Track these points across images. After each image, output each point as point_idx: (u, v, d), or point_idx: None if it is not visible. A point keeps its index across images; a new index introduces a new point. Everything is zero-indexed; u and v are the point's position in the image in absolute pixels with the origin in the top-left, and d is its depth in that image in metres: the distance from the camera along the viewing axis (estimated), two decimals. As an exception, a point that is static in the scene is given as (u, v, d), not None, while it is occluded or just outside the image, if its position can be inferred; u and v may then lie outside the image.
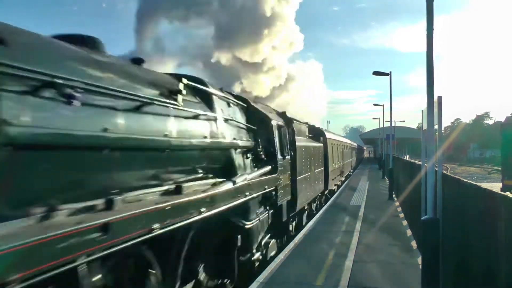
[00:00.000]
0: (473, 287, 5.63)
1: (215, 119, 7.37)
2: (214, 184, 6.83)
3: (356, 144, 63.09)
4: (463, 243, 6.24)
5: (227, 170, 7.75)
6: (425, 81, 7.58)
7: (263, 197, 9.66)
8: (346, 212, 18.19)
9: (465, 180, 6.58)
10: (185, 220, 5.29)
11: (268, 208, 10.20)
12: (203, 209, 5.78)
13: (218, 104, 7.74)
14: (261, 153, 9.87)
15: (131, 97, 4.90)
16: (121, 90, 4.69)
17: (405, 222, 15.71)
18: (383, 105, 42.39)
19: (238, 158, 8.36)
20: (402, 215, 17.46)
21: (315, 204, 18.86)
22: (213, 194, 6.28)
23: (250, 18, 31.57)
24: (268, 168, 9.88)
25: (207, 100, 7.36)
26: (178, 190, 5.54)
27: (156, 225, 4.49)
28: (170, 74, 7.31)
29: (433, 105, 7.51)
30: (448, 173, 8.88)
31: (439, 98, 7.48)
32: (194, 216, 5.56)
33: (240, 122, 8.92)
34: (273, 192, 10.32)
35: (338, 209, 19.39)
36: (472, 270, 5.68)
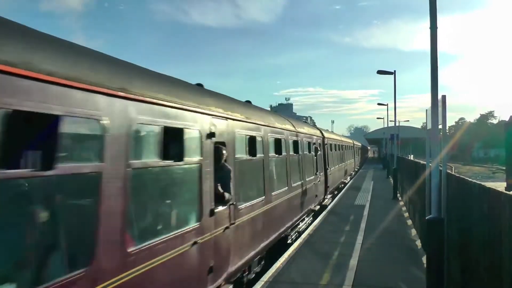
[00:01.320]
0: (478, 286, 5.63)
1: None
2: None
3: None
4: (468, 243, 6.24)
5: None
6: (430, 80, 7.60)
7: None
8: (351, 211, 18.21)
9: (470, 179, 6.58)
10: None
11: None
12: None
13: None
14: None
15: None
16: None
17: (409, 222, 15.72)
18: (387, 105, 42.46)
19: None
20: (406, 214, 17.50)
21: None
22: None
23: None
24: None
25: None
26: None
27: None
28: None
29: (437, 104, 7.50)
30: (453, 173, 8.88)
31: (443, 97, 7.47)
32: None
33: None
34: None
35: (343, 207, 19.43)
36: (477, 269, 5.68)
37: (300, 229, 14.63)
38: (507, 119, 29.85)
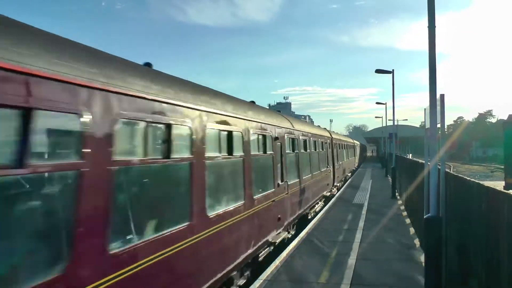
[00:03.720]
0: (476, 285, 5.64)
1: None
2: None
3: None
4: (466, 242, 6.25)
5: None
6: (428, 79, 7.59)
7: None
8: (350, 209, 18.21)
9: (468, 178, 6.59)
10: None
11: None
12: None
13: None
14: None
15: None
16: None
17: (408, 221, 15.74)
18: (385, 104, 42.41)
19: None
20: (405, 213, 17.51)
21: None
22: None
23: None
24: None
25: None
26: None
27: None
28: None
29: (435, 104, 7.50)
30: (451, 172, 8.88)
31: (442, 96, 7.47)
32: None
33: None
34: None
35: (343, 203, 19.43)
36: (475, 268, 5.69)
37: None
38: (505, 118, 29.91)
